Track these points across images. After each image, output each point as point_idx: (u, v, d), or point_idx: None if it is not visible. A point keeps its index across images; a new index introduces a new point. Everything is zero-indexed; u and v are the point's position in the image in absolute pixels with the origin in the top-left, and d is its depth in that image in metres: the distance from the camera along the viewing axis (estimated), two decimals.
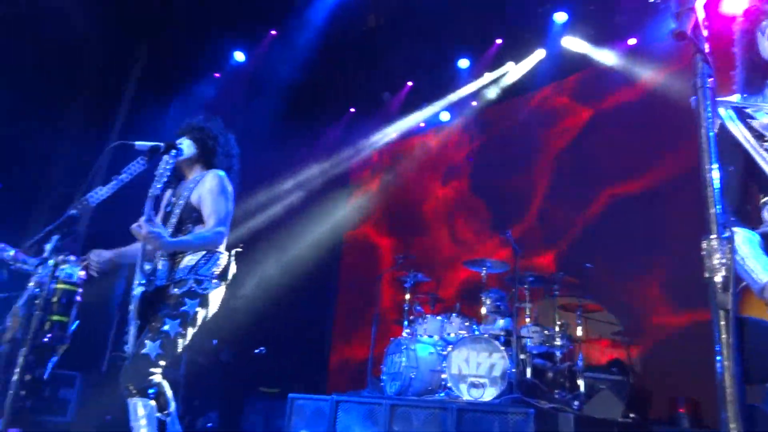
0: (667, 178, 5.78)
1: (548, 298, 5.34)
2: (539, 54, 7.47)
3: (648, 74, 6.34)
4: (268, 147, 7.63)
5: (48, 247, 4.14)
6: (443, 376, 4.72)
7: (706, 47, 1.29)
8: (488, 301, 5.15)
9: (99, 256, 2.88)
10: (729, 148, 1.70)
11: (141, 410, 2.36)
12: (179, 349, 2.56)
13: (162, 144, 2.71)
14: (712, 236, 1.18)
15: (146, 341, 2.45)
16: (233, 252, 2.83)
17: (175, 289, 2.61)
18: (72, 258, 3.42)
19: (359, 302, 8.87)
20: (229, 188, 2.82)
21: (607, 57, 6.88)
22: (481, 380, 4.45)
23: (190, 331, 2.59)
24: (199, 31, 7.83)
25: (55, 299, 3.34)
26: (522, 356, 4.81)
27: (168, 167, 2.53)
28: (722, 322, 1.14)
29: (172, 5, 7.64)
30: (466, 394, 4.45)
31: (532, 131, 7.57)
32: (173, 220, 2.77)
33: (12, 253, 3.85)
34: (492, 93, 8.04)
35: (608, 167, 6.50)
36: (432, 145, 8.99)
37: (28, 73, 7.11)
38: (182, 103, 7.74)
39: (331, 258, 9.50)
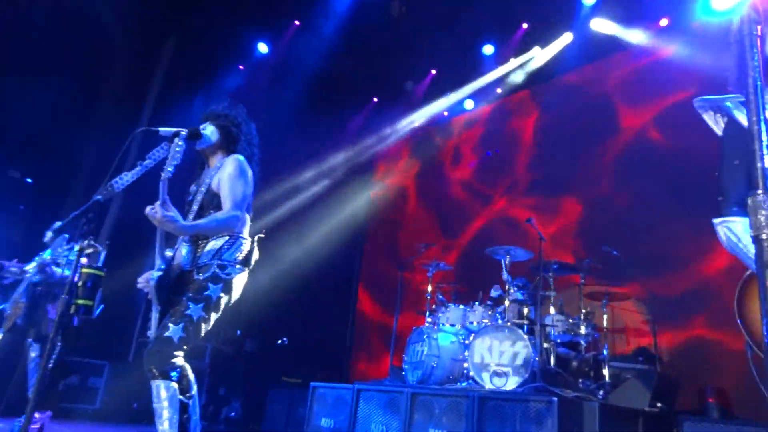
0: (699, 160, 5.60)
1: (573, 287, 5.24)
2: (566, 38, 7.32)
3: (681, 55, 6.14)
4: (291, 137, 7.66)
5: (48, 235, 4.26)
6: (465, 365, 4.68)
7: None
8: (512, 290, 5.08)
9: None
10: (735, 143, 1.64)
11: (163, 392, 2.37)
12: (202, 333, 2.56)
13: (185, 130, 2.72)
14: (758, 191, 1.11)
15: (169, 324, 2.46)
16: (256, 238, 2.83)
17: (199, 275, 2.60)
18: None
19: (381, 291, 8.88)
20: (249, 172, 2.80)
21: (637, 38, 6.68)
22: (504, 369, 4.40)
23: (213, 316, 2.59)
24: (223, 24, 7.90)
25: (80, 283, 3.40)
26: (546, 345, 4.74)
27: (179, 149, 2.53)
28: None
29: (194, 3, 7.71)
30: (488, 382, 4.41)
31: (561, 115, 7.41)
32: (195, 207, 2.77)
33: None
34: (518, 78, 7.90)
35: (637, 151, 6.34)
36: (456, 133, 8.91)
37: (59, 69, 7.27)
38: (208, 94, 7.82)
39: (354, 247, 9.52)
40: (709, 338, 5.07)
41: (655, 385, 4.08)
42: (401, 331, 5.69)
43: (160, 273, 2.57)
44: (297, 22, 8.02)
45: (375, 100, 9.26)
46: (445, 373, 4.81)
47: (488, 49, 7.89)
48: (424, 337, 4.96)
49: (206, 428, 6.53)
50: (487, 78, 8.17)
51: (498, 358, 4.46)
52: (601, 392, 4.35)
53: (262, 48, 8.30)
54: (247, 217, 2.84)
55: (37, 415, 4.09)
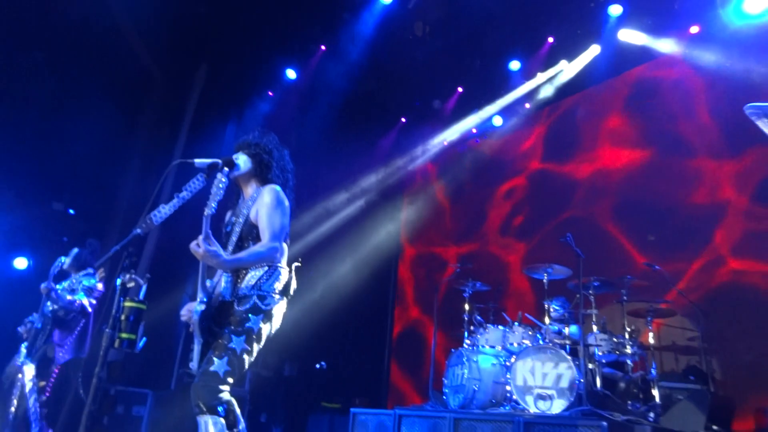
0: (743, 169, 5.43)
1: (616, 304, 5.08)
2: (594, 50, 7.23)
3: (712, 62, 5.99)
4: (322, 160, 7.74)
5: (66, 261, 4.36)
6: (508, 388, 4.57)
7: None
8: (552, 309, 4.95)
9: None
10: None
11: (211, 428, 2.36)
12: (246, 366, 2.57)
13: (219, 160, 2.75)
14: None
15: (214, 358, 2.46)
16: (293, 266, 2.83)
17: (240, 306, 2.62)
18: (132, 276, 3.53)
19: (418, 313, 8.80)
20: (285, 202, 2.82)
21: (667, 47, 6.56)
22: (548, 392, 4.27)
23: (256, 347, 2.60)
24: (252, 52, 8.08)
25: (123, 317, 3.45)
26: (590, 366, 4.59)
27: (222, 186, 2.55)
28: None
29: (225, 31, 7.91)
30: (532, 406, 4.28)
31: (591, 129, 7.30)
32: (234, 238, 2.79)
33: None
34: (546, 92, 7.82)
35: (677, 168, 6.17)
36: (486, 150, 8.84)
37: (98, 103, 7.53)
38: (239, 122, 7.98)
39: (388, 269, 9.48)
40: (765, 354, 4.83)
41: (709, 406, 3.90)
42: (440, 353, 5.60)
43: (202, 306, 2.58)
44: (323, 47, 8.15)
45: (403, 120, 9.29)
46: (487, 397, 4.70)
47: (515, 65, 7.85)
48: (464, 359, 4.86)
49: None
50: (515, 93, 8.12)
51: (541, 380, 4.34)
52: (652, 415, 4.18)
53: (291, 74, 8.44)
54: (285, 247, 2.85)
55: None
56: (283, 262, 2.79)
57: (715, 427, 3.90)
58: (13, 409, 4.36)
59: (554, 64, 7.70)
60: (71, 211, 9.02)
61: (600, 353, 4.67)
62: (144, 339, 4.00)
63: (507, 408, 4.51)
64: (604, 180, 6.96)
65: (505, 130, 8.60)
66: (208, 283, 2.73)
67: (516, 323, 5.06)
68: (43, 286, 4.58)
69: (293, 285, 2.79)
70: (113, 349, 3.63)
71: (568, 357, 4.33)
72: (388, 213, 9.42)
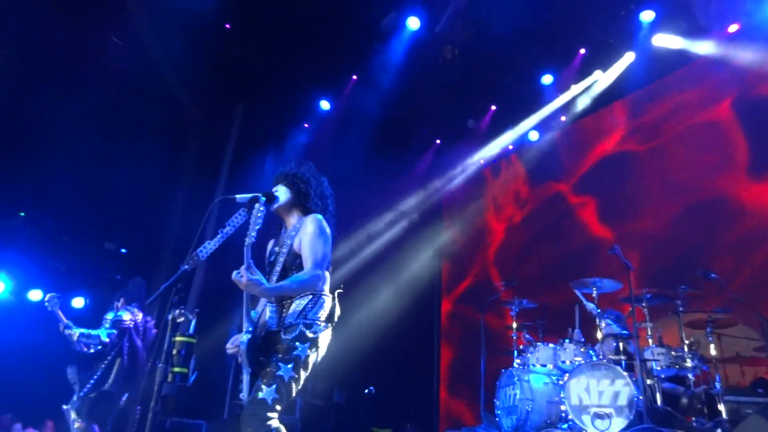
0: None
1: (671, 316, 4.88)
2: (629, 57, 7.12)
3: (756, 60, 5.80)
4: (359, 187, 7.81)
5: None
6: (562, 407, 4.42)
7: None
8: (603, 324, 4.79)
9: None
10: None
11: None
12: (294, 393, 2.59)
13: (260, 195, 2.82)
14: None
15: (263, 386, 2.49)
16: (336, 294, 2.85)
17: (286, 335, 2.65)
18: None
19: (464, 334, 8.67)
20: (327, 231, 2.85)
21: (705, 48, 6.39)
22: (606, 410, 4.11)
23: (303, 375, 2.62)
24: (285, 88, 8.33)
25: (174, 351, 3.55)
26: (649, 381, 4.40)
27: (260, 215, 2.61)
28: None
29: (259, 69, 8.19)
30: (590, 426, 4.13)
31: (634, 136, 7.14)
32: (278, 268, 2.83)
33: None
34: (582, 104, 7.71)
35: (725, 164, 5.95)
36: (522, 166, 8.75)
37: (142, 148, 7.87)
38: (277, 155, 8.18)
39: (432, 291, 9.41)
40: None
41: None
42: (489, 374, 5.48)
43: (249, 336, 2.62)
44: (354, 77, 8.31)
45: (438, 141, 9.31)
46: (542, 418, 4.57)
47: (547, 79, 7.81)
48: (515, 379, 4.75)
49: None
50: (550, 107, 8.05)
51: (598, 398, 4.18)
52: (719, 430, 3.96)
53: (325, 105, 8.64)
54: (327, 275, 2.87)
55: None
56: (327, 290, 2.81)
57: None
58: None
59: (588, 75, 7.60)
60: (123, 251, 9.40)
61: (658, 368, 4.48)
62: (195, 372, 4.09)
63: (564, 427, 4.36)
64: (652, 187, 6.76)
65: (541, 144, 8.50)
66: (253, 314, 2.78)
67: (567, 340, 4.91)
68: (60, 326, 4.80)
69: (337, 312, 2.81)
70: (167, 383, 3.74)
71: (625, 373, 4.17)
72: (428, 235, 9.40)
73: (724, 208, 5.91)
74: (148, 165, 7.74)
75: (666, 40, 6.65)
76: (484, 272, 8.73)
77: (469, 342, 8.42)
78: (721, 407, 4.18)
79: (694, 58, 6.56)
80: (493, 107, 8.50)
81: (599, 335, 4.78)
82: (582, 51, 7.32)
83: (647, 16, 6.58)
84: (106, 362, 4.62)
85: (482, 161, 9.10)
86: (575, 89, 7.75)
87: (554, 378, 4.78)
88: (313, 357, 2.66)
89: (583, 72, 7.59)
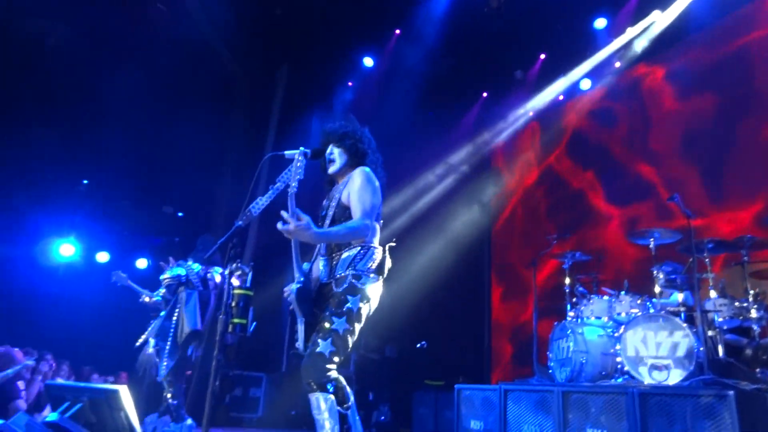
0: None
1: (735, 266, 4.68)
2: None
3: None
4: (406, 143, 7.76)
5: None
6: (618, 359, 4.37)
7: None
8: (661, 276, 4.64)
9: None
10: None
11: (323, 404, 2.47)
12: (350, 345, 2.65)
13: (308, 150, 2.84)
14: None
15: (319, 340, 2.55)
16: (387, 247, 2.86)
17: (337, 287, 2.69)
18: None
19: (515, 287, 8.63)
20: (376, 183, 2.85)
21: None
22: (664, 362, 4.04)
23: (357, 327, 2.66)
24: (329, 47, 8.26)
25: (233, 304, 3.70)
26: (710, 333, 4.27)
27: (300, 165, 2.63)
28: None
29: (301, 29, 8.14)
30: (647, 377, 4.07)
31: (693, 82, 6.72)
32: (327, 221, 2.86)
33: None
34: (641, 45, 7.26)
35: None
36: (573, 117, 8.43)
37: (193, 112, 8.06)
38: (323, 114, 8.20)
39: (482, 245, 9.36)
40: None
41: None
42: (542, 327, 5.46)
43: (299, 285, 2.68)
44: (398, 31, 8.14)
45: (485, 94, 9.08)
46: (596, 370, 4.53)
47: (600, 23, 7.40)
48: (568, 332, 4.71)
49: None
50: (603, 53, 7.65)
51: (655, 350, 4.10)
52: None
53: (368, 62, 8.53)
54: (377, 227, 2.88)
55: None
56: (376, 242, 2.82)
57: None
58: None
59: (645, 17, 7.15)
60: (180, 214, 9.77)
61: (720, 319, 4.33)
62: (254, 323, 4.26)
63: (619, 380, 4.32)
64: (716, 132, 6.40)
65: (593, 93, 8.13)
66: (305, 265, 2.83)
67: (622, 292, 4.81)
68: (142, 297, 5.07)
69: (388, 264, 2.82)
70: (228, 334, 3.91)
71: (684, 324, 4.06)
72: (477, 188, 9.28)
73: None
74: (199, 130, 7.94)
75: None
76: (534, 225, 8.58)
77: (520, 295, 8.39)
78: None
79: None
80: (543, 56, 8.17)
81: (657, 287, 4.65)
82: None
83: None
84: (175, 317, 4.86)
85: (531, 113, 8.82)
86: (631, 32, 7.32)
87: (609, 330, 4.71)
88: (366, 309, 2.69)
89: (639, 14, 7.14)
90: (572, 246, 5.48)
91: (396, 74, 8.22)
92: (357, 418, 2.58)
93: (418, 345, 8.17)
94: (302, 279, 2.69)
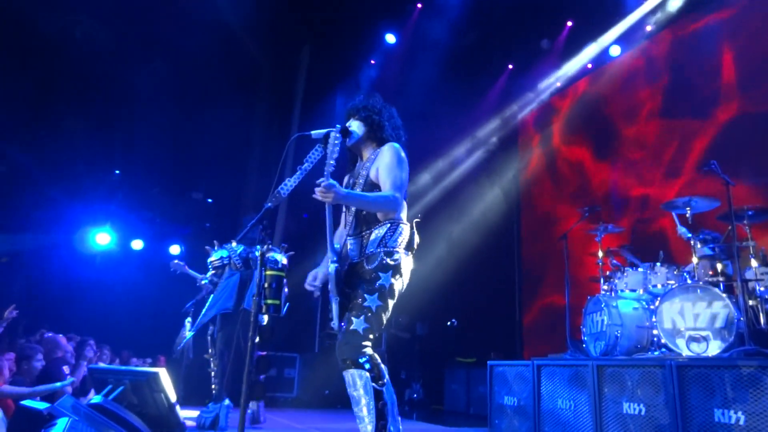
0: None
1: None
2: None
3: None
4: (431, 119, 7.68)
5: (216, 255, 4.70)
6: (654, 332, 4.29)
7: None
8: (698, 245, 4.52)
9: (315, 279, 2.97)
10: None
11: (358, 381, 2.50)
12: (384, 321, 2.66)
13: (334, 129, 2.83)
14: None
15: (352, 318, 2.57)
16: (414, 222, 2.85)
17: (368, 265, 2.69)
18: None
19: (547, 262, 8.53)
20: (405, 159, 2.84)
21: None
22: (702, 333, 3.94)
23: (390, 303, 2.67)
24: (349, 26, 8.18)
25: (266, 285, 3.75)
26: (751, 302, 4.13)
27: (337, 143, 2.61)
28: None
29: (322, 9, 8.07)
30: (685, 349, 3.98)
31: (733, 42, 6.43)
32: None
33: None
34: (675, 4, 6.93)
35: None
36: (604, 86, 8.17)
37: (217, 98, 8.12)
38: (347, 93, 8.17)
39: (511, 219, 9.26)
40: None
41: None
42: (574, 302, 5.39)
43: (335, 265, 2.68)
44: (419, 5, 8.00)
45: (510, 66, 8.89)
46: (631, 343, 4.46)
47: None
48: (602, 306, 4.63)
49: None
50: (633, 17, 7.38)
51: (693, 321, 4.00)
52: None
53: (390, 38, 8.43)
54: (404, 203, 2.87)
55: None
56: (404, 218, 2.81)
57: None
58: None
59: None
60: (209, 200, 9.93)
61: (762, 288, 4.19)
62: (287, 304, 4.32)
63: (656, 353, 4.24)
64: (752, 94, 6.13)
65: (624, 60, 7.87)
66: (336, 246, 2.84)
67: (658, 264, 4.69)
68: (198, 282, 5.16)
69: (416, 240, 2.82)
70: (261, 314, 3.98)
71: (723, 294, 3.95)
72: (505, 162, 9.15)
73: None
74: (225, 115, 8.01)
75: None
76: (565, 198, 8.43)
77: (551, 270, 8.28)
78: None
79: None
80: (569, 23, 7.93)
81: (694, 258, 4.52)
82: None
83: None
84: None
85: (559, 83, 8.60)
86: None
87: (644, 303, 4.62)
88: (398, 285, 2.69)
89: None
90: (604, 218, 5.34)
91: (419, 50, 8.12)
92: (393, 394, 2.60)
93: (449, 323, 8.18)
94: (336, 259, 2.69)
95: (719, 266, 4.41)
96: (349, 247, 2.87)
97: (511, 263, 9.18)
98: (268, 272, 3.63)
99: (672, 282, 4.51)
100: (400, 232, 2.74)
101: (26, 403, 3.23)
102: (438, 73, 7.95)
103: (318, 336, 7.68)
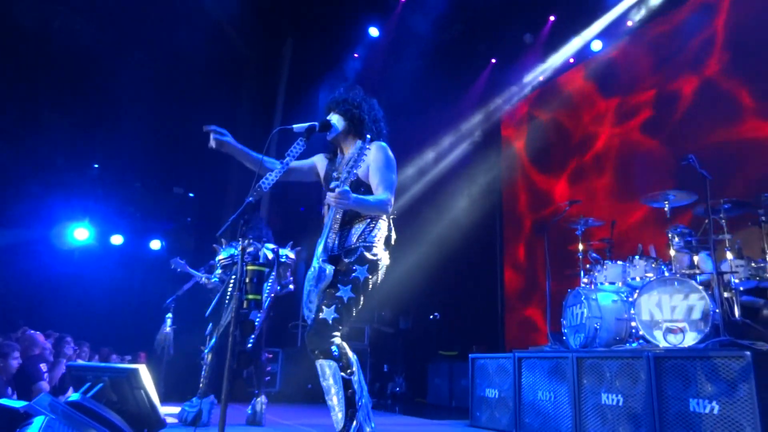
0: None
1: (752, 227, 4.60)
2: None
3: None
4: (415, 112, 7.69)
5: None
6: (632, 324, 4.35)
7: None
8: (676, 238, 4.58)
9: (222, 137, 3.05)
10: None
11: (327, 371, 2.56)
12: (354, 313, 2.70)
13: (316, 123, 2.83)
14: None
15: (323, 306, 2.62)
16: (390, 219, 2.88)
17: (347, 258, 2.73)
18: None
19: (528, 256, 8.61)
20: (393, 159, 2.89)
21: None
22: (679, 325, 4.01)
23: (362, 296, 2.71)
24: (333, 19, 8.13)
25: (247, 279, 3.72)
26: (726, 294, 4.22)
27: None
28: None
29: (305, 2, 8.01)
30: (662, 341, 4.05)
31: (712, 33, 6.51)
32: None
33: None
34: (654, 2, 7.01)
35: None
36: (584, 80, 8.25)
37: (201, 91, 8.02)
38: (330, 87, 8.13)
39: (492, 213, 9.31)
40: None
41: None
42: (555, 295, 5.45)
43: (332, 267, 2.68)
44: None
45: (493, 61, 8.91)
46: (610, 335, 4.52)
47: None
48: (582, 298, 4.69)
49: (376, 404, 6.88)
50: (614, 12, 7.44)
51: (670, 313, 4.07)
52: None
53: (374, 32, 8.39)
54: None
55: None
56: (384, 215, 2.84)
57: None
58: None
59: None
60: (191, 194, 9.82)
61: (737, 280, 4.28)
62: (269, 299, 4.29)
63: (634, 345, 4.31)
64: (720, 90, 6.23)
65: (605, 55, 7.93)
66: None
67: (636, 257, 4.76)
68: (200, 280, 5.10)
69: (393, 236, 2.86)
70: (243, 310, 3.95)
71: (699, 287, 4.02)
72: (488, 156, 9.20)
73: None
74: (207, 109, 7.91)
75: None
76: (546, 191, 8.51)
77: (533, 263, 8.37)
78: None
79: None
80: (552, 18, 7.97)
81: (671, 251, 4.60)
82: None
83: None
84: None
85: (541, 77, 8.65)
86: None
87: (623, 295, 4.69)
88: (373, 279, 2.74)
89: None
90: (584, 211, 5.40)
91: (402, 43, 8.09)
92: (363, 383, 2.63)
93: (432, 316, 8.22)
94: (327, 258, 2.70)
95: (695, 259, 4.49)
96: (330, 240, 2.87)
97: (493, 257, 9.25)
98: (250, 267, 3.60)
99: (650, 275, 4.58)
100: (379, 228, 2.79)
101: (2, 401, 3.18)
102: (421, 67, 7.95)
103: (300, 330, 7.66)
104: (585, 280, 5.14)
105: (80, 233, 8.26)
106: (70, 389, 4.43)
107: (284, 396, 7.17)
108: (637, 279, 4.65)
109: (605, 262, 4.98)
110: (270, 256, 4.67)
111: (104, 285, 8.10)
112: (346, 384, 2.53)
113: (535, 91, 8.90)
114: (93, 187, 9.01)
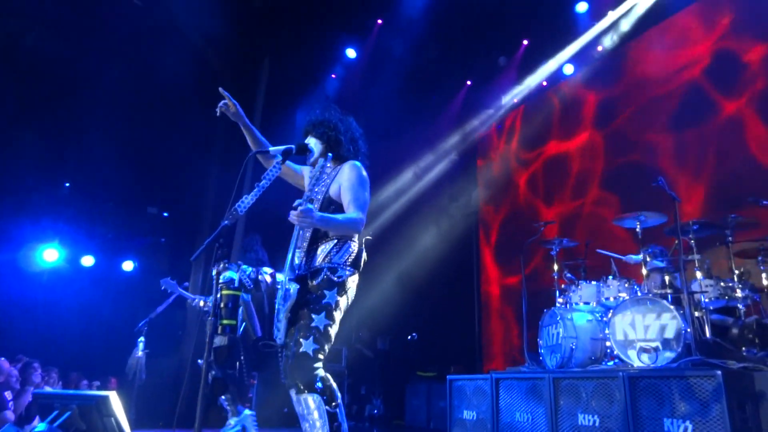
0: None
1: (720, 247, 4.72)
2: None
3: None
4: (391, 134, 7.74)
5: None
6: (607, 344, 4.40)
7: None
8: (648, 258, 4.69)
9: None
10: None
11: (312, 404, 2.47)
12: (332, 338, 2.65)
13: (293, 146, 2.82)
14: None
15: (300, 339, 2.53)
16: (363, 240, 2.84)
17: (312, 280, 2.67)
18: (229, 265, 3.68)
19: (504, 276, 8.67)
20: (366, 178, 2.85)
21: None
22: (652, 344, 4.07)
23: (338, 317, 2.65)
24: (310, 40, 8.19)
25: (222, 305, 3.66)
26: (697, 314, 4.31)
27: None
28: None
29: (282, 22, 8.06)
30: (636, 360, 4.10)
31: (674, 61, 6.75)
32: None
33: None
34: (622, 28, 7.24)
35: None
36: (558, 103, 8.44)
37: (177, 112, 7.95)
38: (307, 108, 8.15)
39: (469, 234, 9.38)
40: None
41: None
42: (531, 314, 5.49)
43: (297, 286, 2.61)
44: (380, 21, 8.08)
45: (468, 83, 9.06)
46: (586, 355, 4.56)
47: (582, 7, 7.41)
48: (558, 318, 4.74)
49: (353, 427, 6.79)
50: (585, 38, 7.67)
51: (644, 333, 4.13)
52: None
53: (351, 53, 8.47)
54: None
55: None
56: (355, 236, 2.80)
57: None
58: None
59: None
60: (165, 214, 9.67)
61: (707, 299, 4.37)
62: (243, 324, 4.22)
63: (609, 364, 4.35)
64: (692, 118, 6.44)
65: (576, 78, 8.15)
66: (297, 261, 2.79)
67: (610, 277, 4.84)
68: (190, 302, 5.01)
69: (364, 257, 2.80)
70: (217, 335, 3.88)
71: (671, 306, 4.09)
72: (465, 177, 9.30)
73: None
74: (182, 128, 7.84)
75: None
76: (522, 213, 8.61)
77: (509, 284, 8.42)
78: None
79: None
80: (525, 42, 8.16)
81: (644, 271, 4.68)
82: None
83: None
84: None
85: (516, 100, 8.82)
86: (612, 15, 7.33)
87: (598, 315, 4.75)
88: (344, 301, 2.68)
89: None
90: (560, 232, 5.48)
91: (379, 65, 8.19)
92: (343, 413, 2.58)
93: (409, 337, 8.19)
94: (293, 277, 2.66)
95: (667, 278, 4.58)
96: (296, 260, 2.83)
97: (470, 277, 9.29)
98: (225, 292, 3.55)
99: (623, 294, 4.65)
100: (347, 249, 2.73)
101: None
102: (398, 88, 8.04)
103: (276, 355, 7.55)
104: (560, 300, 5.19)
105: (50, 254, 8.04)
106: (37, 418, 4.28)
107: (260, 420, 7.00)
108: (611, 299, 4.72)
109: (579, 282, 5.04)
110: (269, 280, 4.59)
111: (74, 308, 7.88)
112: (332, 418, 2.47)
113: (511, 112, 9.05)
114: (64, 206, 8.80)
